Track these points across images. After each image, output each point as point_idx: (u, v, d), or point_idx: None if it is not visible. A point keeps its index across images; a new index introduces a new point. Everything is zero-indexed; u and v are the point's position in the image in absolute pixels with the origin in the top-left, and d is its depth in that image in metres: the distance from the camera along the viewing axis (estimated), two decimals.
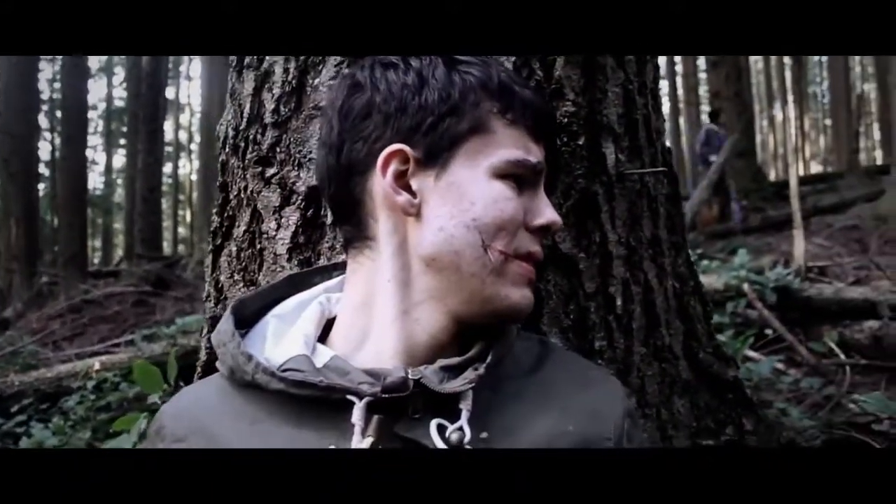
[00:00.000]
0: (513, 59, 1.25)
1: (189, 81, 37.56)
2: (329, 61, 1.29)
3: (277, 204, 1.31)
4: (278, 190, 1.31)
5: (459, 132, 0.84)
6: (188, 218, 33.08)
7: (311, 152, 1.28)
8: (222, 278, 1.42)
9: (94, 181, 30.78)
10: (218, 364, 0.88)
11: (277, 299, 0.95)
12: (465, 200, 0.83)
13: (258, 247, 1.35)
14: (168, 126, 27.75)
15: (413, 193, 0.85)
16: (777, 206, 11.27)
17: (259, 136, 1.35)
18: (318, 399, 0.78)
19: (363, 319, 0.88)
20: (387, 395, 0.76)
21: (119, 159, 31.92)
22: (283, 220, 1.31)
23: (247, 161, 1.37)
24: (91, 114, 26.24)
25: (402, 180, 0.85)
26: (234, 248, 1.40)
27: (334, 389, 0.77)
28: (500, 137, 0.85)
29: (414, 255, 0.85)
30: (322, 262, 1.26)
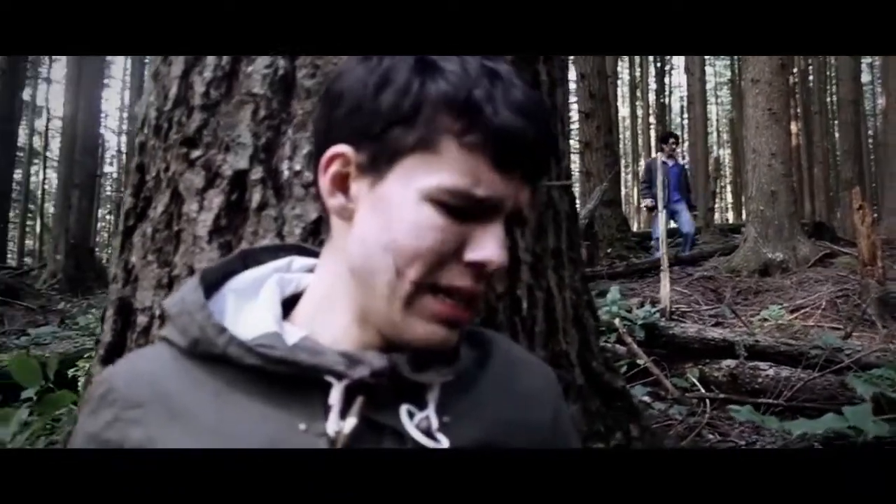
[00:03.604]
0: None
1: (49, 85, 35.53)
2: None
3: (201, 186, 1.31)
4: (203, 172, 1.31)
5: (403, 145, 0.77)
6: (37, 229, 31.29)
7: (239, 136, 1.30)
8: (133, 259, 1.40)
9: None
10: (170, 334, 0.83)
11: (230, 273, 0.92)
12: (388, 219, 0.78)
13: (175, 228, 1.34)
14: (21, 130, 26.26)
15: (350, 198, 0.81)
16: (639, 254, 11.76)
17: (184, 119, 1.35)
18: (289, 377, 0.77)
19: (325, 308, 0.86)
20: (373, 380, 0.77)
21: None
22: (205, 203, 1.31)
23: (169, 142, 1.36)
24: None
25: (342, 182, 0.81)
26: (149, 230, 1.38)
27: (315, 369, 0.77)
28: (446, 160, 0.76)
29: (346, 260, 0.83)
30: (244, 245, 1.27)
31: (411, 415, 0.79)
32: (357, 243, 0.80)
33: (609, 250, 11.84)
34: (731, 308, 6.09)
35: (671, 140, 10.64)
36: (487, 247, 0.78)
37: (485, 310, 1.39)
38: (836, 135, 24.75)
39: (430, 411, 0.80)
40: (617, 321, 4.34)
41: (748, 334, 4.44)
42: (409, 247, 0.76)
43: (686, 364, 4.28)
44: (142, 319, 1.36)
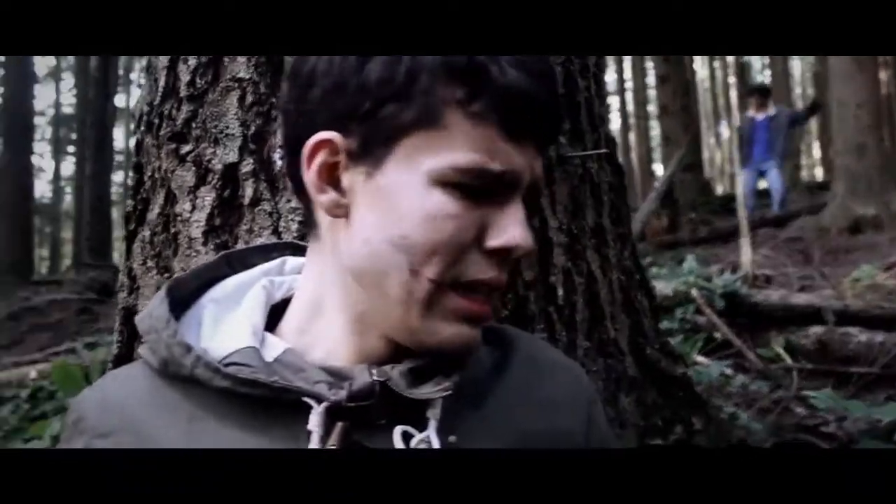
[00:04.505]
0: None
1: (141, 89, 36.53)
2: None
3: (192, 183, 1.21)
4: (193, 168, 1.21)
5: (401, 123, 0.66)
6: None
7: (227, 127, 1.19)
8: (135, 266, 1.31)
9: (42, 189, 29.90)
10: (144, 353, 0.75)
11: (212, 280, 0.82)
12: (394, 211, 0.67)
13: (172, 230, 1.25)
14: (119, 134, 27.10)
15: (342, 191, 0.71)
16: (724, 218, 11.34)
17: (174, 112, 1.25)
18: (269, 399, 0.68)
19: (315, 314, 0.76)
20: (351, 404, 0.67)
21: (68, 167, 30.87)
22: (198, 201, 1.21)
23: (161, 138, 1.26)
24: (39, 120, 25.67)
25: (331, 174, 0.71)
26: (147, 233, 1.29)
27: (289, 391, 0.67)
28: (454, 135, 0.66)
29: (344, 262, 0.72)
30: (240, 245, 1.17)
31: (408, 437, 0.67)
32: (359, 242, 0.70)
33: (693, 215, 11.48)
34: (819, 270, 5.76)
35: (756, 94, 10.04)
36: (510, 230, 0.69)
37: (513, 301, 1.26)
38: None
39: (431, 431, 0.68)
40: (694, 291, 4.12)
41: (837, 299, 4.16)
42: (424, 241, 0.67)
43: (771, 333, 4.03)
44: None
